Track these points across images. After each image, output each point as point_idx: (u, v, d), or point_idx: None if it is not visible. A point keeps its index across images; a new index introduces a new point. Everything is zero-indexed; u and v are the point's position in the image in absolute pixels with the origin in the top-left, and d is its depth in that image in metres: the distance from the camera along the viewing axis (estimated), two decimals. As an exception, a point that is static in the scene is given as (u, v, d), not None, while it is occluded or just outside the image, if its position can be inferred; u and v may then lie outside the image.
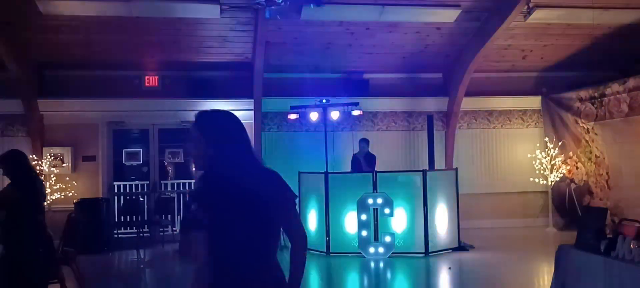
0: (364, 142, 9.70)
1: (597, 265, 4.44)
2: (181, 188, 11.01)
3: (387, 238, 8.26)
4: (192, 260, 2.22)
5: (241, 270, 2.21)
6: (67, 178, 10.03)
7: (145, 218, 10.37)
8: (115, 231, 10.12)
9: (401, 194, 8.46)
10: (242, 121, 2.39)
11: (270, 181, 2.30)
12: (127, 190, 10.82)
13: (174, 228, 10.26)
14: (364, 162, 9.51)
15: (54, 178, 9.86)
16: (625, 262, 4.15)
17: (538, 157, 10.94)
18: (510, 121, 11.64)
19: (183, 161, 11.21)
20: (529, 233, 10.57)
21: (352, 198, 8.46)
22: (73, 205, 9.32)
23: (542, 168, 10.91)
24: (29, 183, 4.73)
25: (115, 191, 10.64)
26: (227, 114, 2.37)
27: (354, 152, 9.91)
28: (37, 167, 9.52)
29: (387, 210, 8.24)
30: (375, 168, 9.15)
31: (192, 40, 9.86)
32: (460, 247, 8.78)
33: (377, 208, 8.31)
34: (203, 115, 2.36)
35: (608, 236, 4.52)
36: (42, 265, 4.82)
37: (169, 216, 10.27)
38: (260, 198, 2.22)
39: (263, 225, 2.24)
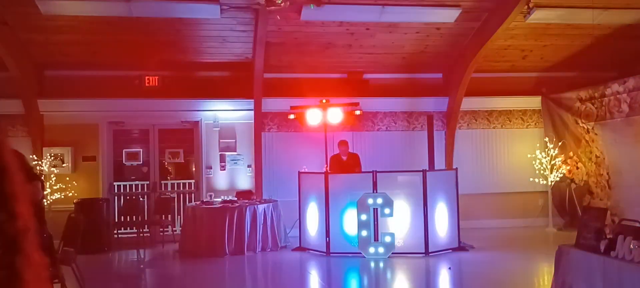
0: (344, 145, 9.64)
1: (597, 265, 4.45)
2: (181, 188, 11.00)
3: (387, 239, 8.26)
4: None
5: None
6: (67, 179, 10.02)
7: (145, 218, 10.38)
8: (115, 231, 10.12)
9: (401, 194, 8.47)
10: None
11: None
12: (127, 190, 10.81)
13: (174, 228, 10.26)
14: (353, 162, 9.50)
15: (54, 178, 9.85)
16: (625, 261, 4.15)
17: (538, 157, 10.94)
18: (510, 121, 11.63)
19: (183, 161, 11.20)
20: (529, 233, 10.56)
21: (352, 199, 8.46)
22: (73, 205, 9.33)
23: (542, 168, 10.90)
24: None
25: (115, 191, 10.63)
26: None
27: (334, 153, 9.84)
28: (37, 167, 9.53)
29: (387, 210, 8.24)
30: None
31: (192, 40, 9.85)
32: (460, 247, 8.78)
33: (377, 208, 8.31)
34: None
35: (608, 236, 4.52)
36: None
37: (169, 216, 10.28)
38: None
39: None
